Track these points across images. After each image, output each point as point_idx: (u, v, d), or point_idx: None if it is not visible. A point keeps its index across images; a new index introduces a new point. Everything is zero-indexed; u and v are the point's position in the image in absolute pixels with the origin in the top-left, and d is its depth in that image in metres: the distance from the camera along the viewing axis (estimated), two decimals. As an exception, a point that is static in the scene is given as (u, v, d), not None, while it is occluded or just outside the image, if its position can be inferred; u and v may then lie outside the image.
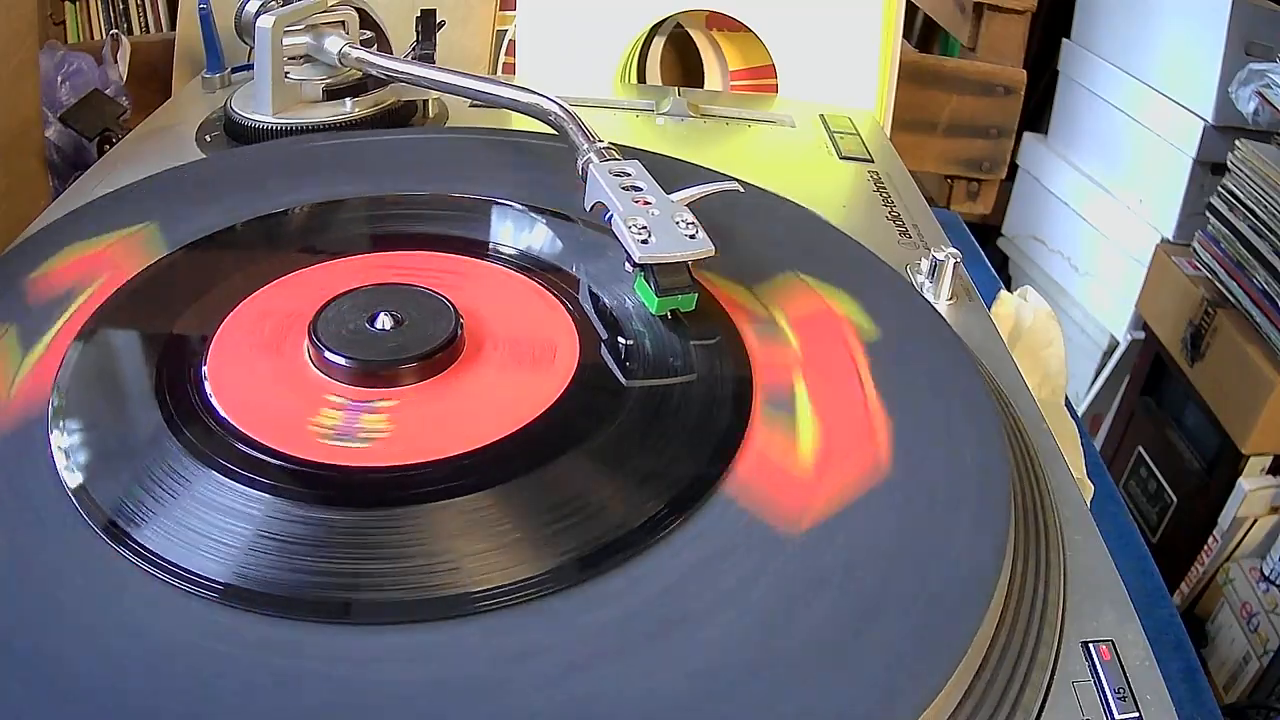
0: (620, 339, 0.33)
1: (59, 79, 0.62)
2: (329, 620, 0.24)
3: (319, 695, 0.22)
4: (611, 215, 0.35)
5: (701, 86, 0.72)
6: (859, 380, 0.32)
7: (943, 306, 0.41)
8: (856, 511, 0.27)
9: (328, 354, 0.31)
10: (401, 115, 0.53)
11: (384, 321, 0.32)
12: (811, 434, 0.30)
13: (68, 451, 0.28)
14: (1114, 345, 1.20)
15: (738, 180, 0.40)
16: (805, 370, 0.33)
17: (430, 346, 0.31)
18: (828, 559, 0.26)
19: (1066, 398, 0.51)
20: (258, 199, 0.41)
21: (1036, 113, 1.39)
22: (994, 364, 0.38)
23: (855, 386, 0.32)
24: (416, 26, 0.58)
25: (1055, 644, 0.26)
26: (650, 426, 0.30)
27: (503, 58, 0.71)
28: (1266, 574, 0.91)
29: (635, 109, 0.60)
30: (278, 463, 0.28)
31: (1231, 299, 0.95)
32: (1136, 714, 0.25)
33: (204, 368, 0.31)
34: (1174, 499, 1.04)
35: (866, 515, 0.27)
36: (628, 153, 0.40)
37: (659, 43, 0.72)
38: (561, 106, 0.43)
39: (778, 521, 0.27)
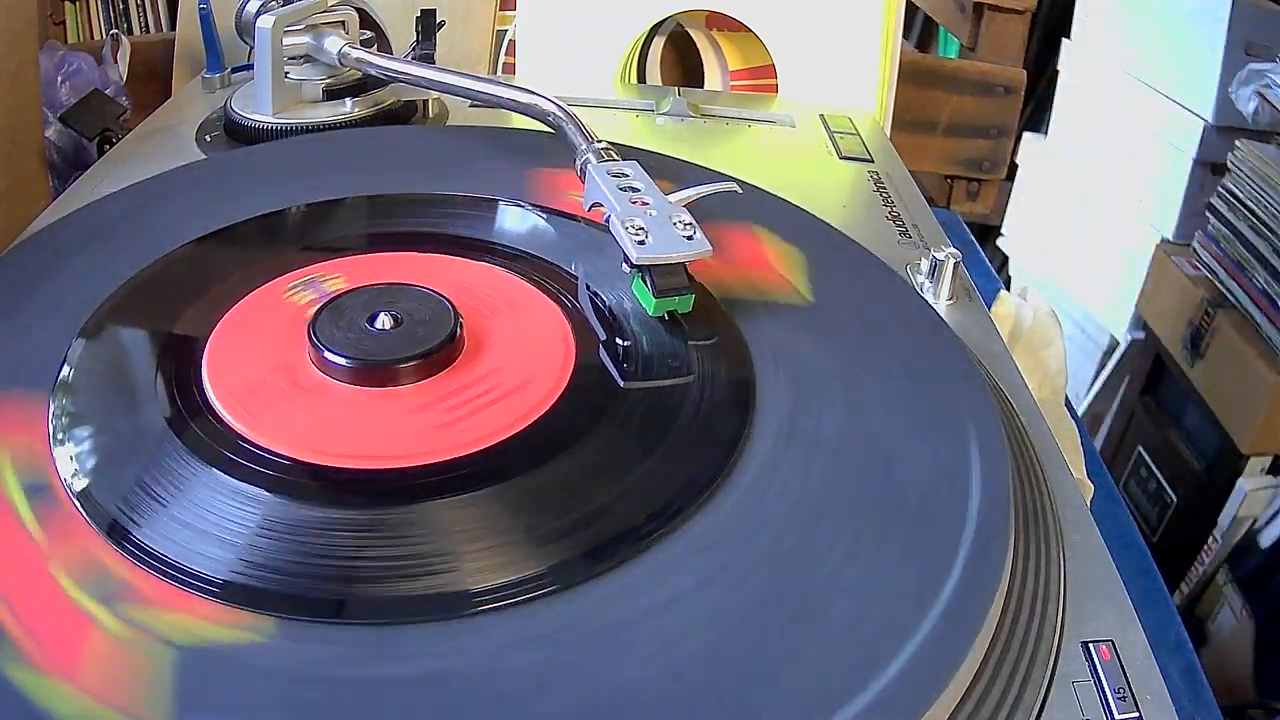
0: (619, 339, 0.33)
1: (59, 79, 0.62)
2: (328, 620, 0.24)
3: (318, 694, 0.22)
4: (609, 216, 0.35)
5: (701, 86, 0.72)
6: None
7: (943, 306, 0.41)
8: (858, 511, 0.28)
9: (327, 354, 0.31)
10: (401, 115, 0.53)
11: (384, 321, 0.32)
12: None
13: (68, 449, 0.28)
14: (1114, 345, 1.20)
15: (736, 180, 0.40)
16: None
17: (430, 346, 0.31)
18: (827, 558, 0.26)
19: (1066, 398, 0.51)
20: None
21: (1036, 113, 1.39)
22: (994, 364, 0.38)
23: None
24: (416, 26, 0.58)
25: (1055, 644, 0.26)
26: (648, 426, 0.30)
27: (503, 58, 0.71)
28: (1266, 574, 0.91)
29: (635, 109, 0.60)
30: (277, 462, 0.28)
31: (1231, 299, 0.95)
32: (1136, 714, 0.25)
33: (204, 367, 0.31)
34: (1174, 499, 1.04)
35: (867, 518, 0.27)
36: (626, 153, 0.40)
37: (659, 43, 0.72)
38: (560, 107, 0.43)
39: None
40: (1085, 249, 1.26)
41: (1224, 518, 0.96)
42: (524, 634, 0.24)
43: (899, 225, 0.47)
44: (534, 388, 0.31)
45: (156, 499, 0.27)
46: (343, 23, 0.52)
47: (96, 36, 1.17)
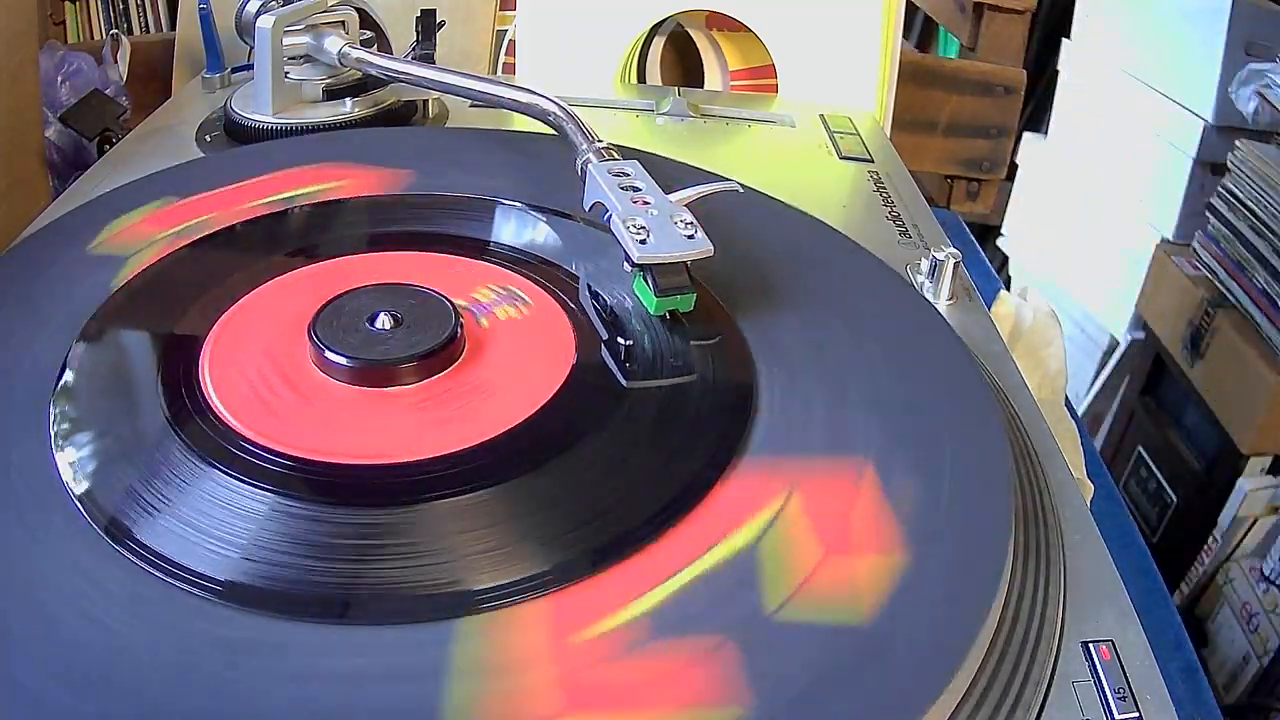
0: (620, 339, 0.33)
1: (59, 79, 0.62)
2: (329, 620, 0.24)
3: (320, 694, 0.22)
4: (610, 215, 0.35)
5: (701, 86, 0.72)
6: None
7: (943, 306, 0.41)
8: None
9: (327, 354, 0.31)
10: (401, 115, 0.53)
11: (384, 321, 0.32)
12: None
13: (69, 451, 0.28)
14: (1114, 345, 1.20)
15: (737, 181, 0.40)
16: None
17: (430, 346, 0.31)
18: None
19: (1066, 398, 0.51)
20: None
21: (1036, 113, 1.39)
22: (994, 364, 0.38)
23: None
24: (416, 26, 0.58)
25: (1055, 644, 0.26)
26: (650, 426, 0.30)
27: (503, 58, 0.71)
28: (1266, 574, 0.91)
29: (635, 109, 0.60)
30: (278, 462, 0.28)
31: (1231, 299, 0.95)
32: (1136, 714, 0.25)
33: (204, 368, 0.31)
34: (1174, 499, 1.04)
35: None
36: (627, 153, 0.40)
37: (659, 43, 0.72)
38: (561, 106, 0.43)
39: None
40: (1085, 249, 1.26)
41: (1224, 518, 0.96)
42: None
43: (899, 225, 0.47)
44: (535, 387, 0.31)
45: (157, 499, 0.27)
46: (343, 23, 0.52)
47: (96, 36, 1.17)
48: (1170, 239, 1.10)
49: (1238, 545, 0.97)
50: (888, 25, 0.63)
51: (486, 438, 0.29)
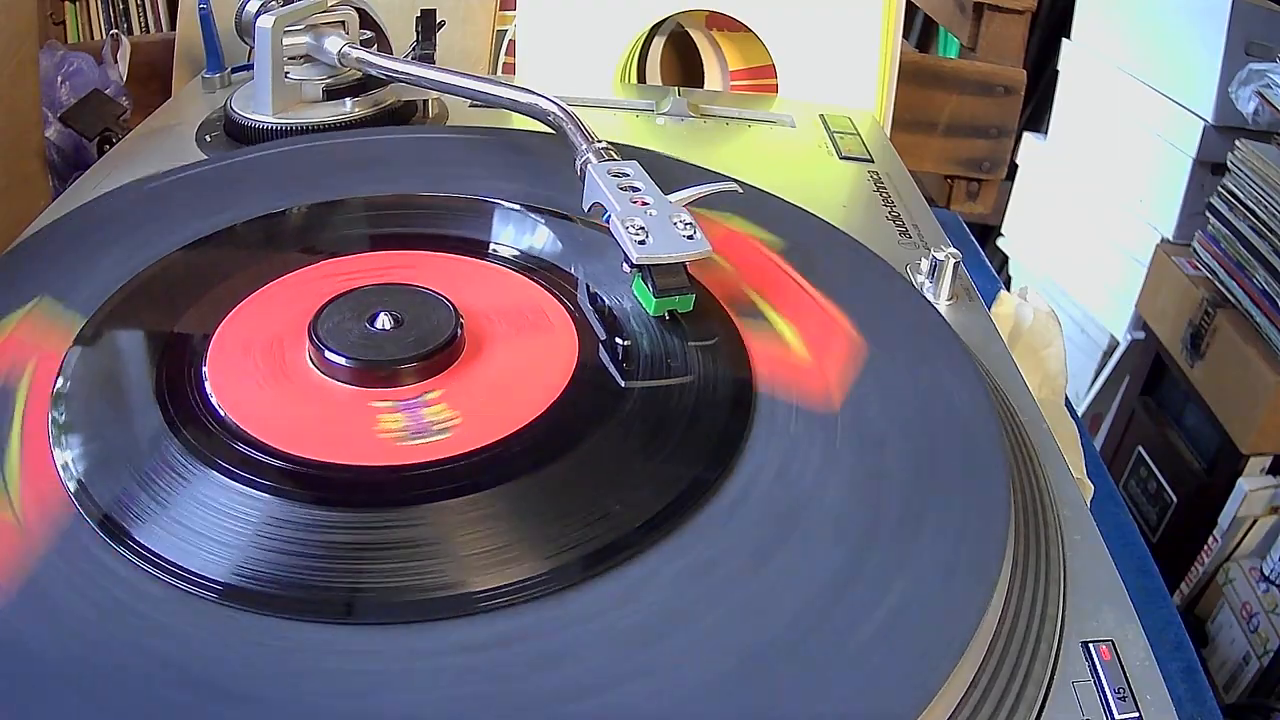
0: (619, 339, 0.33)
1: (59, 79, 0.62)
2: (329, 620, 0.24)
3: (319, 695, 0.22)
4: (609, 216, 0.35)
5: (701, 86, 0.72)
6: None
7: (943, 306, 0.41)
8: (856, 518, 0.28)
9: (328, 354, 0.31)
10: (401, 115, 0.53)
11: (384, 321, 0.32)
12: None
13: (69, 452, 0.28)
14: (1114, 345, 1.20)
15: (736, 180, 0.40)
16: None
17: (430, 346, 0.31)
18: (826, 559, 0.26)
19: (1066, 398, 0.51)
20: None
21: (1036, 113, 1.39)
22: (994, 364, 0.38)
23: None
24: (416, 26, 0.58)
25: (1055, 644, 0.26)
26: (649, 426, 0.30)
27: (503, 58, 0.71)
28: (1266, 574, 0.91)
29: (635, 109, 0.60)
30: (277, 462, 0.28)
31: (1231, 299, 0.95)
32: (1136, 714, 0.25)
33: (204, 368, 0.31)
34: (1174, 499, 1.04)
35: (867, 517, 0.27)
36: (626, 153, 0.40)
37: (659, 43, 0.72)
38: (560, 106, 0.43)
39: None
40: (1085, 249, 1.26)
41: (1224, 518, 0.96)
42: (523, 635, 0.24)
43: (899, 225, 0.47)
44: (534, 388, 0.31)
45: (156, 499, 0.27)
46: (343, 23, 0.52)
47: (96, 36, 1.17)
48: (1170, 239, 1.10)
49: (1238, 545, 0.97)
50: (888, 25, 0.63)
51: (486, 439, 0.29)
